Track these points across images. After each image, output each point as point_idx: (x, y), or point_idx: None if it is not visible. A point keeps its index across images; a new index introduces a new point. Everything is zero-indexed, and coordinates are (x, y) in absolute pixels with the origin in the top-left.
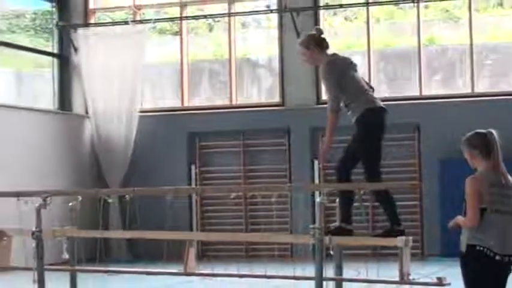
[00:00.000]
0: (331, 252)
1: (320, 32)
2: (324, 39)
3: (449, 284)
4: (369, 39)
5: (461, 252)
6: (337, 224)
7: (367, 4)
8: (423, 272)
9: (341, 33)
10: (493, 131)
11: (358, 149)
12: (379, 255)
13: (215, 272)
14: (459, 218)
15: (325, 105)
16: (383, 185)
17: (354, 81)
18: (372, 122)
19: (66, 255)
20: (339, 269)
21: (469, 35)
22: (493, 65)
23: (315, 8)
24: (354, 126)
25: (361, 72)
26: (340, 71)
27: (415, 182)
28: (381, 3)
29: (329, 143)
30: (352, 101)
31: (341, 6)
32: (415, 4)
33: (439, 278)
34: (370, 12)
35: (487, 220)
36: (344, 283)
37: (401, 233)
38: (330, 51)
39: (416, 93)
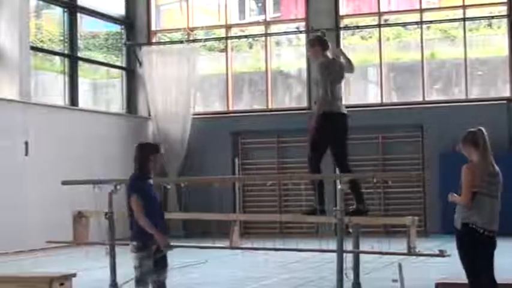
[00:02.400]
0: (350, 230)
1: (324, 34)
2: (325, 41)
3: (449, 255)
4: (380, 55)
5: (457, 229)
6: (314, 206)
7: (379, 26)
8: (427, 245)
9: (358, 50)
10: (483, 129)
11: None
12: (390, 232)
13: (255, 246)
14: (455, 196)
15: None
16: (396, 174)
17: (335, 84)
18: (330, 123)
19: None
20: (357, 244)
21: (464, 50)
22: (483, 75)
23: (337, 29)
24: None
25: (375, 81)
26: (331, 71)
27: (419, 172)
28: (390, 25)
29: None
30: (327, 98)
31: (358, 27)
32: (419, 26)
33: (440, 251)
34: (382, 32)
35: (478, 202)
36: (360, 255)
37: (366, 211)
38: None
39: (420, 99)
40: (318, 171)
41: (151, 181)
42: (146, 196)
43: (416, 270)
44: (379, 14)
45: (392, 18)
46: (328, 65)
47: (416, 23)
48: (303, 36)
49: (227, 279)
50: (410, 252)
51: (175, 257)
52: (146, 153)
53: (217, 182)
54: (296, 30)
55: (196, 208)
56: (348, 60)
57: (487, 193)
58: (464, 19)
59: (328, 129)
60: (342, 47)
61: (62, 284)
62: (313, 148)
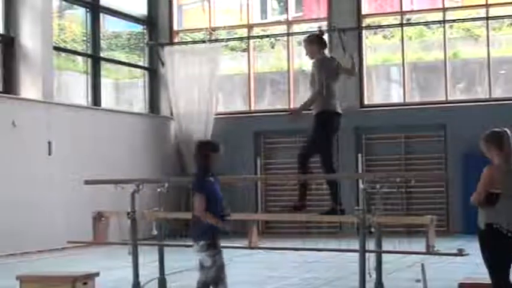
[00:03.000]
0: (372, 230)
1: (322, 33)
2: (322, 39)
3: (467, 255)
4: (403, 54)
5: (480, 229)
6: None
7: (401, 25)
8: (449, 245)
9: (380, 49)
10: (507, 130)
11: (312, 140)
12: (411, 232)
13: (276, 245)
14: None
15: (367, 109)
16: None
17: (331, 82)
18: (326, 122)
19: (154, 232)
20: (379, 243)
21: (487, 50)
22: (506, 74)
23: (359, 28)
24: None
25: (397, 80)
26: (328, 68)
27: (442, 172)
28: (413, 24)
29: (301, 109)
30: (322, 97)
31: (380, 26)
32: (442, 25)
33: (459, 250)
34: (404, 32)
35: (501, 203)
36: (383, 255)
37: (342, 211)
38: (327, 52)
39: (443, 99)
40: (334, 171)
41: (212, 179)
42: (209, 194)
43: (440, 270)
44: (402, 13)
45: (414, 18)
46: (325, 63)
47: (439, 22)
48: (325, 36)
49: (247, 279)
50: (429, 251)
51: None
52: (206, 152)
53: (240, 181)
54: (318, 29)
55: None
56: (353, 65)
57: (510, 194)
58: (487, 18)
59: (324, 128)
60: (323, 30)
61: (85, 284)
62: (309, 148)
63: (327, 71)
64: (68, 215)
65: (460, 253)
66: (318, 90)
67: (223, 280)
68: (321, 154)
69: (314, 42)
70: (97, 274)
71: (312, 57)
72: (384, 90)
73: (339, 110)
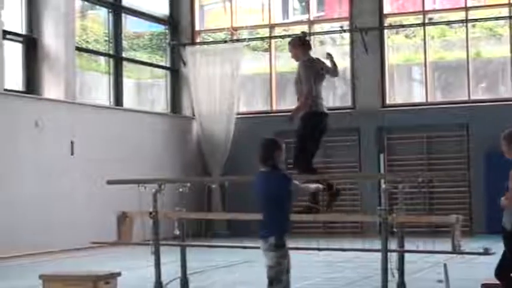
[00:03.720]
0: (395, 230)
1: (304, 35)
2: (306, 42)
3: (493, 253)
4: (425, 54)
5: (506, 230)
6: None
7: (423, 24)
8: (472, 245)
9: (402, 49)
10: None
11: (298, 139)
12: (435, 232)
13: (298, 245)
14: (503, 200)
15: (389, 108)
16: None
17: (317, 83)
18: (310, 123)
19: (177, 232)
20: (401, 243)
21: (510, 49)
22: None
23: (381, 27)
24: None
25: (419, 80)
26: (314, 70)
27: (465, 172)
28: (435, 24)
29: (296, 114)
30: (307, 96)
31: (402, 26)
32: (464, 24)
33: (485, 249)
34: (426, 31)
35: None
36: (406, 255)
37: (317, 210)
38: (312, 54)
39: (466, 98)
40: (314, 171)
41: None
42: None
43: (462, 270)
44: (424, 12)
45: (436, 17)
46: (310, 64)
47: (461, 21)
48: (347, 36)
49: None
50: (455, 250)
51: (219, 256)
52: (273, 149)
53: None
54: (340, 29)
55: (240, 208)
56: (334, 65)
57: None
58: (510, 17)
59: (311, 127)
60: (306, 32)
61: (107, 283)
62: (302, 148)
63: (313, 73)
64: (91, 214)
65: (487, 252)
66: (307, 93)
67: (281, 284)
68: (299, 153)
69: (298, 45)
70: (119, 274)
71: (297, 60)
72: (406, 89)
73: (325, 110)
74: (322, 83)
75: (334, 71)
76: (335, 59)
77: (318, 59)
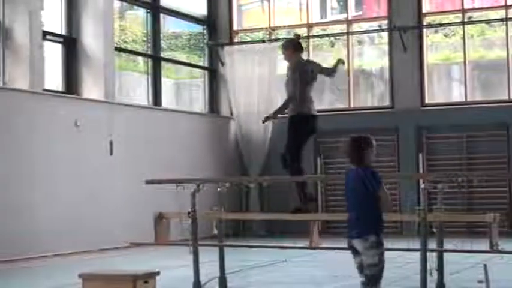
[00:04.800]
0: (434, 230)
1: (298, 37)
2: (299, 44)
3: None
4: (464, 53)
5: None
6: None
7: (463, 23)
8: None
9: (441, 48)
10: None
11: (287, 141)
12: (473, 232)
13: (336, 245)
14: None
15: (428, 108)
16: (480, 173)
17: (306, 86)
18: (298, 125)
19: (215, 231)
20: (440, 242)
21: None
22: None
23: (420, 26)
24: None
25: (459, 79)
26: (304, 72)
27: (505, 172)
28: (474, 22)
29: (274, 116)
30: (296, 100)
31: (441, 25)
32: (504, 22)
33: None
34: (465, 30)
35: None
36: (445, 255)
37: (306, 210)
38: (304, 55)
39: (506, 97)
40: (300, 172)
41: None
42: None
43: (502, 270)
44: (463, 11)
45: (476, 16)
46: (301, 67)
47: (501, 19)
48: (385, 35)
49: (306, 279)
50: (493, 249)
51: (257, 256)
52: (363, 146)
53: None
54: (378, 28)
55: (277, 207)
56: (335, 69)
57: None
58: None
59: (299, 129)
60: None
61: (146, 282)
62: (288, 150)
63: (303, 76)
64: (129, 214)
65: None
66: (291, 95)
67: (380, 281)
68: (289, 155)
69: (290, 47)
70: (158, 273)
71: (288, 62)
72: (445, 89)
73: (314, 113)
74: (312, 85)
75: (330, 73)
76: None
77: (308, 60)
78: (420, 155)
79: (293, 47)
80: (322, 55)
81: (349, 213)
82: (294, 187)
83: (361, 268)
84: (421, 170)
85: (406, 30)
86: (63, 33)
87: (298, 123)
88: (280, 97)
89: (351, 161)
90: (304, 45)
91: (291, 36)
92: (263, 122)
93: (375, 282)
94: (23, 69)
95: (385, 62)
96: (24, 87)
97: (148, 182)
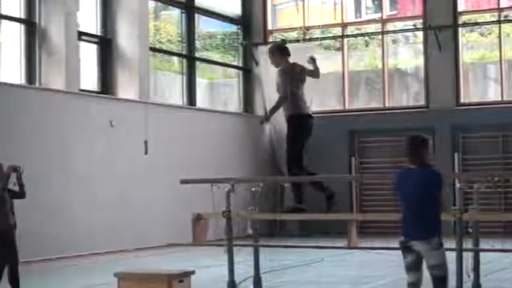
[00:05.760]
0: (470, 230)
1: (284, 42)
2: (285, 48)
3: None
4: (500, 52)
5: None
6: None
7: (499, 22)
8: None
9: (476, 47)
10: None
11: (287, 143)
12: (509, 232)
13: (372, 245)
14: None
15: (464, 107)
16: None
17: (296, 87)
18: (296, 125)
19: (249, 231)
20: (476, 242)
21: None
22: None
23: (455, 25)
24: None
25: (495, 78)
26: (293, 75)
27: None
28: (511, 21)
29: (269, 116)
30: (289, 102)
31: (477, 24)
32: None
33: None
34: (501, 29)
35: None
36: (481, 256)
37: (303, 209)
38: (290, 59)
39: None
40: (304, 171)
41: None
42: None
43: None
44: (499, 10)
45: None
46: (289, 70)
47: None
48: (420, 34)
49: (343, 278)
50: None
51: (291, 256)
52: (421, 146)
53: (334, 181)
54: (413, 27)
55: (313, 207)
56: (316, 68)
57: None
58: None
59: (294, 131)
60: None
61: (181, 281)
62: (292, 150)
63: (291, 78)
64: (164, 213)
65: None
66: (282, 95)
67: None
68: (288, 155)
69: (276, 52)
70: (193, 272)
71: (276, 66)
72: (481, 88)
73: (309, 112)
74: (303, 86)
75: (315, 74)
76: (317, 63)
77: (296, 63)
78: (456, 155)
79: (280, 52)
80: (357, 54)
81: (407, 213)
82: (293, 188)
83: (410, 267)
84: (456, 170)
85: (441, 29)
86: (99, 33)
87: (296, 123)
88: (314, 96)
89: (411, 161)
90: (338, 44)
91: (326, 35)
92: (261, 123)
93: (444, 281)
94: (58, 69)
95: (420, 61)
96: (60, 88)
97: (183, 181)
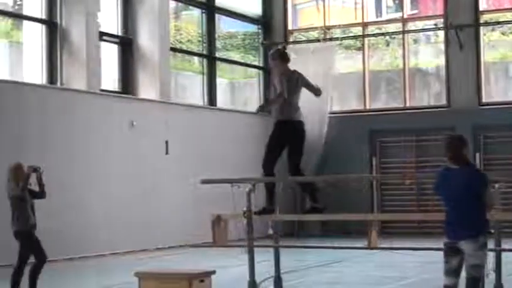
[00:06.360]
0: (492, 230)
1: (284, 48)
2: (285, 54)
3: None
4: None
5: None
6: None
7: None
8: None
9: (498, 46)
10: None
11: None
12: None
13: (393, 245)
14: None
15: (485, 107)
16: None
17: (291, 94)
18: (279, 130)
19: (270, 231)
20: (498, 242)
21: None
22: None
23: (476, 25)
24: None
25: None
26: (290, 81)
27: None
28: None
29: (266, 107)
30: (282, 107)
31: (498, 23)
32: None
33: None
34: None
35: None
36: (503, 256)
37: (321, 210)
38: (290, 65)
39: None
40: (272, 174)
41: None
42: None
43: None
44: None
45: None
46: (287, 76)
47: None
48: (441, 33)
49: (364, 279)
50: None
51: (312, 256)
52: (461, 145)
53: (355, 180)
54: (434, 27)
55: (333, 207)
56: (317, 88)
57: None
58: None
59: (283, 135)
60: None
61: (201, 281)
62: (267, 152)
63: (288, 85)
64: (185, 213)
65: None
66: (280, 92)
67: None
68: (264, 157)
69: (276, 57)
70: (213, 272)
71: (276, 71)
72: (503, 87)
73: (300, 118)
74: (297, 94)
75: (314, 90)
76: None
77: (295, 71)
78: (477, 155)
79: (280, 57)
80: (378, 54)
81: (452, 213)
82: (304, 189)
83: (452, 271)
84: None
85: (463, 29)
86: (119, 34)
87: (283, 128)
88: (335, 96)
89: (455, 161)
90: (359, 44)
91: (346, 35)
92: (256, 112)
93: (478, 282)
94: (80, 69)
95: (441, 60)
96: (81, 88)
97: (204, 181)
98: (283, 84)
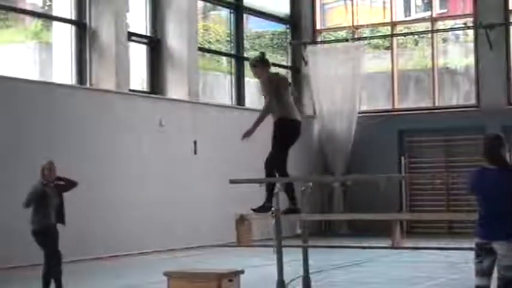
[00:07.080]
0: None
1: (263, 55)
2: (266, 60)
3: None
4: None
5: None
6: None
7: None
8: None
9: None
10: None
11: (272, 146)
12: None
13: (420, 245)
14: None
15: None
16: None
17: (282, 93)
18: (281, 129)
19: (298, 230)
20: None
21: None
22: None
23: (506, 24)
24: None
25: None
26: (276, 84)
27: None
28: None
29: (253, 129)
30: (277, 107)
31: None
32: None
33: None
34: None
35: None
36: None
37: (297, 211)
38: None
39: None
40: (287, 174)
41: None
42: None
43: None
44: None
45: None
46: (272, 79)
47: None
48: (471, 33)
49: (392, 279)
50: None
51: (340, 255)
52: (499, 145)
53: (383, 180)
54: (464, 26)
55: (362, 207)
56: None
57: None
58: None
59: (279, 134)
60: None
61: (230, 281)
62: (275, 154)
63: (277, 84)
64: (213, 212)
65: None
66: (264, 108)
67: None
68: (273, 158)
69: (257, 65)
70: (242, 272)
71: (258, 78)
72: None
73: (297, 117)
74: (288, 92)
75: (295, 95)
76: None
77: (276, 73)
78: (507, 155)
79: (262, 63)
80: (406, 53)
81: (487, 214)
82: (286, 190)
83: (485, 271)
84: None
85: (492, 28)
86: (148, 34)
87: (281, 127)
88: (364, 95)
89: (493, 161)
90: (387, 43)
91: (375, 34)
92: (242, 139)
93: (510, 284)
94: (109, 70)
95: (470, 60)
96: (110, 88)
97: (232, 181)
98: (273, 95)
